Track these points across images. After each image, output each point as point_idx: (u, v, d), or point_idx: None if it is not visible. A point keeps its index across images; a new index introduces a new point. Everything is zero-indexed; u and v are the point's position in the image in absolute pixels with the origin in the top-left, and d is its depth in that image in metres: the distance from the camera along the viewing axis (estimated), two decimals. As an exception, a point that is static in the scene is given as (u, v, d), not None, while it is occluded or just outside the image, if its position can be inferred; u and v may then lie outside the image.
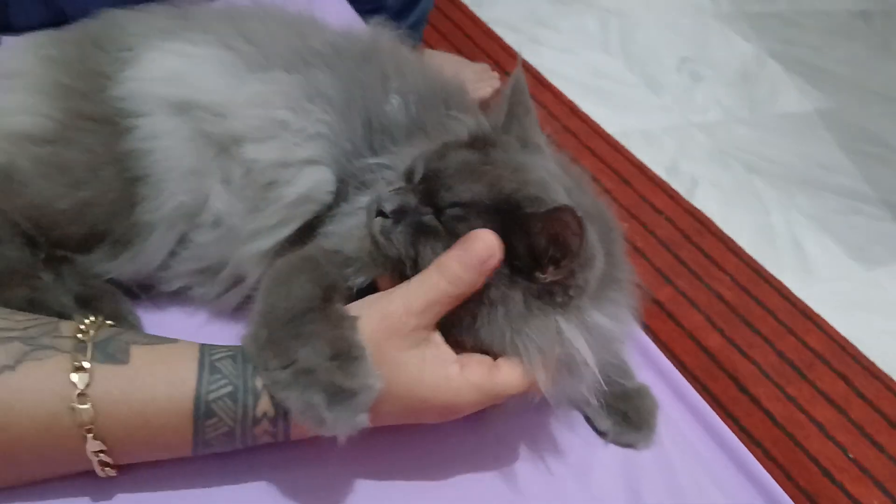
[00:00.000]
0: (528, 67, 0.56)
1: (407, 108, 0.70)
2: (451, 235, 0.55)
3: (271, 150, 0.66)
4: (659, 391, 0.73)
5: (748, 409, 1.25)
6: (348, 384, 0.51)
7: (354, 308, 0.56)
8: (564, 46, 2.10)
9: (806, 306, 1.45)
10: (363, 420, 0.52)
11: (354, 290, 0.60)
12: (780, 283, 1.49)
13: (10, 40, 0.91)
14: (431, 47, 1.89)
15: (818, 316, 1.43)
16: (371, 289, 0.59)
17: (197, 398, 0.51)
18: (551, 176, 0.59)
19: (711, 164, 1.81)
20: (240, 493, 0.57)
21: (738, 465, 0.70)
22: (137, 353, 0.52)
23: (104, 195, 0.65)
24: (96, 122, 0.66)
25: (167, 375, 0.52)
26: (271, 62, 0.69)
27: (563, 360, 0.57)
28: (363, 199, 0.63)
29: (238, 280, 0.68)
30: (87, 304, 0.65)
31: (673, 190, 1.68)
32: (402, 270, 0.57)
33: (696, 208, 1.63)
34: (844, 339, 1.40)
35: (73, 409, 0.49)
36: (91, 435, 0.50)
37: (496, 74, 1.76)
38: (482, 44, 1.99)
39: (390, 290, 0.56)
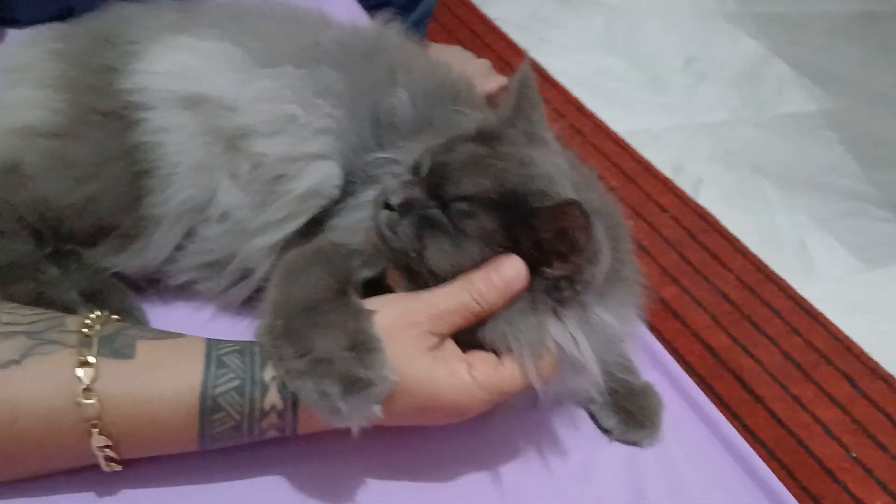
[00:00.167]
0: (533, 65, 0.56)
1: (414, 102, 0.70)
2: (457, 229, 0.55)
3: (279, 145, 0.66)
4: (663, 390, 0.72)
5: (752, 409, 1.24)
6: (365, 375, 0.51)
7: (376, 303, 0.56)
8: (570, 45, 2.10)
9: (811, 306, 1.44)
10: (377, 412, 0.51)
11: (361, 282, 0.60)
12: (785, 282, 1.48)
13: (15, 33, 0.91)
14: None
15: (823, 316, 1.43)
16: (378, 281, 0.59)
17: (203, 393, 0.51)
18: (558, 170, 0.59)
19: (716, 164, 1.80)
20: (244, 489, 0.57)
21: (741, 465, 0.69)
22: (143, 347, 0.52)
23: (111, 189, 0.65)
24: (104, 115, 0.66)
25: (173, 370, 0.52)
26: (279, 57, 0.69)
27: (565, 358, 0.57)
28: (370, 194, 0.63)
29: (245, 274, 0.68)
30: (92, 298, 0.65)
31: (679, 189, 1.67)
32: (407, 264, 0.57)
33: (701, 207, 1.63)
34: (849, 339, 1.40)
35: (78, 403, 0.49)
36: (97, 430, 0.50)
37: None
38: (488, 41, 1.99)
39: (415, 292, 0.56)
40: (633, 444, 0.68)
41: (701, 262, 1.50)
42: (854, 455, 1.20)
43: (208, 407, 0.52)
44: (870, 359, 1.37)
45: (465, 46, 1.87)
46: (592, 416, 0.70)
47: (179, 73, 0.67)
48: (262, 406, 0.53)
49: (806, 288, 1.48)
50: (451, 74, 0.76)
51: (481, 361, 0.55)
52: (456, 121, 0.67)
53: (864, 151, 1.94)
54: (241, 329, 0.68)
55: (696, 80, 2.08)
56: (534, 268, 0.55)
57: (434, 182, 0.57)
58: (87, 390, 0.49)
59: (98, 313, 0.54)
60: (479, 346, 0.57)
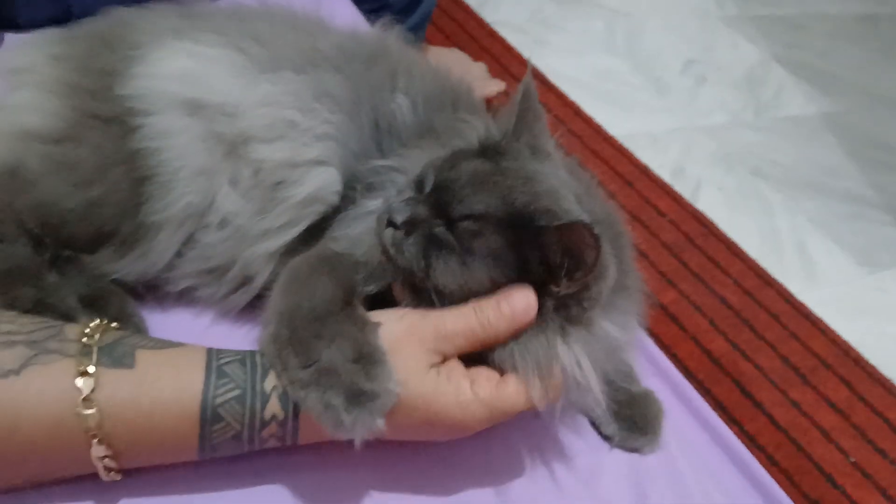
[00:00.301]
0: (532, 71, 0.56)
1: (414, 108, 0.70)
2: (464, 248, 0.55)
3: (280, 150, 0.65)
4: (663, 395, 0.73)
5: (752, 414, 1.24)
6: (369, 387, 0.51)
7: (382, 316, 0.56)
8: (569, 48, 2.09)
9: (810, 311, 1.44)
10: (381, 424, 0.51)
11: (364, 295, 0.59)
12: (783, 287, 1.48)
13: (13, 37, 0.90)
14: (434, 48, 1.88)
15: (821, 321, 1.43)
16: (382, 293, 0.59)
17: (204, 402, 0.51)
18: (562, 184, 0.59)
19: (716, 168, 1.80)
20: (244, 498, 0.57)
21: (741, 469, 0.70)
22: (144, 357, 0.52)
23: (112, 194, 0.65)
24: (104, 120, 0.66)
25: (174, 380, 0.52)
26: (280, 63, 0.69)
27: (568, 379, 0.57)
28: (371, 203, 0.63)
29: (245, 280, 0.68)
30: (92, 304, 0.65)
31: (677, 193, 1.67)
32: (412, 281, 0.57)
33: (700, 212, 1.63)
34: (847, 344, 1.40)
35: (78, 414, 0.49)
36: (96, 440, 0.50)
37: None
38: (486, 44, 1.98)
39: (423, 310, 0.56)
40: (634, 450, 0.68)
41: (700, 266, 1.50)
42: (853, 460, 1.20)
43: (209, 417, 0.51)
44: (868, 363, 1.37)
45: (463, 50, 1.87)
46: (593, 424, 0.70)
47: (180, 79, 0.67)
48: (262, 416, 0.53)
49: (806, 291, 1.48)
50: (451, 79, 0.76)
51: (484, 378, 0.55)
52: (458, 128, 0.67)
53: (865, 154, 1.94)
54: (240, 336, 0.68)
55: (697, 83, 2.08)
56: (541, 286, 0.55)
57: (439, 200, 0.57)
58: (87, 400, 0.49)
59: (97, 321, 0.54)
60: (484, 362, 0.57)
